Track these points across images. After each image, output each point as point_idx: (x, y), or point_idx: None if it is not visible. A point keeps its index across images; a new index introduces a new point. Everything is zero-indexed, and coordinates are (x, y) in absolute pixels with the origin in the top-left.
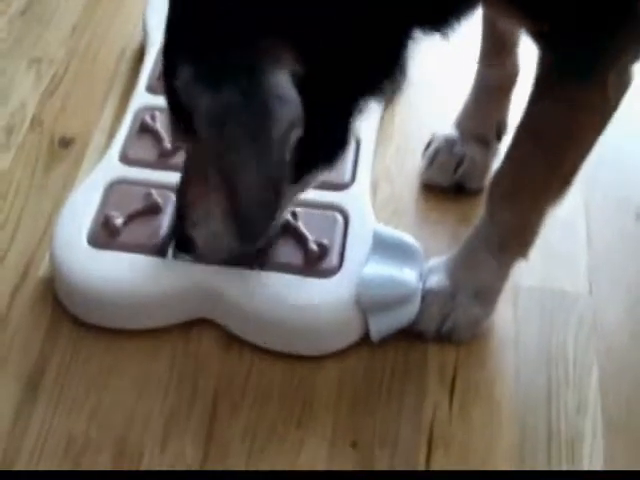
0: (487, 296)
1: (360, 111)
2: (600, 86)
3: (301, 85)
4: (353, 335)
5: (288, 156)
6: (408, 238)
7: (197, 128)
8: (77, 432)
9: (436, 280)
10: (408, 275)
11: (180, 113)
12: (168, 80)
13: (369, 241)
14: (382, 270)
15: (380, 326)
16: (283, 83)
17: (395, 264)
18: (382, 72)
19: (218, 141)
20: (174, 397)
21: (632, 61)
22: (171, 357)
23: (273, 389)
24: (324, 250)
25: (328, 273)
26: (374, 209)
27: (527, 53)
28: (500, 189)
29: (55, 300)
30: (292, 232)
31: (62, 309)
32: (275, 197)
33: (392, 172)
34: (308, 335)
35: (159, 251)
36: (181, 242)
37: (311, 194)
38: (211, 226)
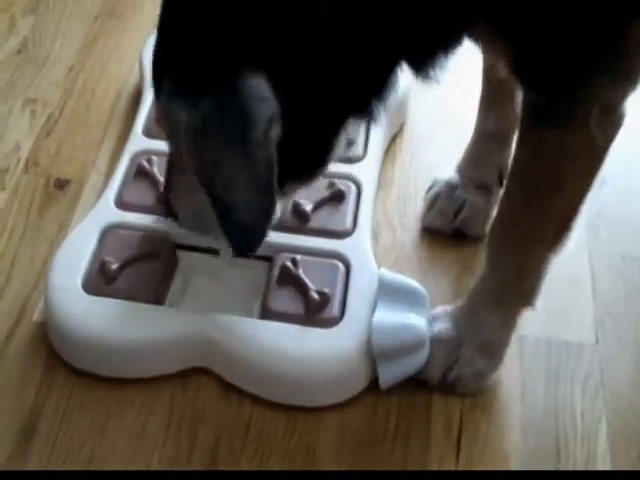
0: (492, 349)
1: (343, 128)
2: (583, 129)
3: (279, 92)
4: (354, 387)
5: (274, 155)
6: (414, 283)
7: (179, 143)
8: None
9: (442, 328)
10: (418, 321)
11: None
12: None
13: (371, 290)
14: (392, 317)
15: (390, 374)
16: (259, 85)
17: (403, 310)
18: (363, 96)
19: (199, 155)
20: (172, 447)
21: (619, 100)
22: (169, 406)
23: (274, 439)
24: (325, 299)
25: (329, 323)
26: (376, 257)
27: None
28: (496, 238)
29: (50, 346)
30: (292, 280)
31: (57, 355)
32: (268, 199)
33: (394, 219)
34: (308, 387)
35: (156, 298)
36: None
37: (312, 242)
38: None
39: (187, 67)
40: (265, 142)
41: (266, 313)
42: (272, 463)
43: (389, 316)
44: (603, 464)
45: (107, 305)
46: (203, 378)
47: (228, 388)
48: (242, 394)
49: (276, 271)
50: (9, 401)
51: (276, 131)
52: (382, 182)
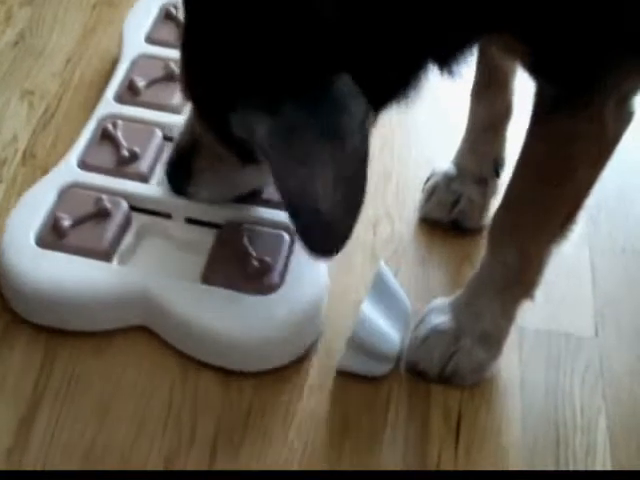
0: (492, 340)
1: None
2: (597, 118)
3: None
4: (290, 354)
5: (369, 147)
6: (404, 295)
7: (260, 154)
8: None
9: (440, 320)
10: (395, 337)
11: (232, 143)
12: (215, 115)
13: (313, 260)
14: (376, 318)
15: (350, 363)
16: (348, 83)
17: (386, 316)
18: (401, 87)
19: (284, 158)
20: (172, 436)
21: (632, 94)
22: (168, 395)
23: (274, 429)
24: (266, 267)
25: (268, 290)
26: (374, 248)
27: (522, 90)
28: (501, 227)
29: (50, 340)
30: (236, 247)
31: (55, 349)
32: (361, 192)
33: (392, 211)
34: (243, 351)
35: (105, 256)
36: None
37: (259, 211)
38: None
39: (267, 77)
40: (362, 135)
41: (208, 278)
42: (271, 453)
43: (374, 315)
44: (603, 455)
45: (57, 259)
46: (203, 367)
47: (228, 378)
48: (242, 381)
49: (222, 238)
50: (8, 392)
51: (370, 123)
52: (380, 173)
